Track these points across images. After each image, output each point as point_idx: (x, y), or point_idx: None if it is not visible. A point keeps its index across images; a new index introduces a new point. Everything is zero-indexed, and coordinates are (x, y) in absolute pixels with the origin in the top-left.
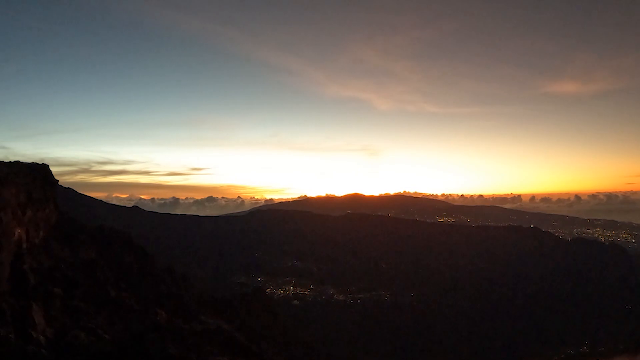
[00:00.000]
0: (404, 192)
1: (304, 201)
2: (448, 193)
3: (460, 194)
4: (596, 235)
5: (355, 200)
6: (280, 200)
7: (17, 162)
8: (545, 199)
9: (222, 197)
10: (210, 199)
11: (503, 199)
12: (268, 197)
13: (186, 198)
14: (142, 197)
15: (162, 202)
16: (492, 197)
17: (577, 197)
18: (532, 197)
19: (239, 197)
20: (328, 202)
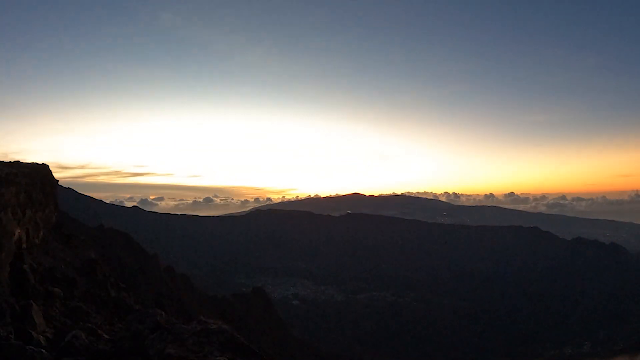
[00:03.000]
0: (406, 192)
1: (305, 201)
2: (450, 192)
3: (460, 193)
4: (596, 235)
5: (355, 200)
6: (280, 201)
7: (17, 162)
8: (543, 197)
9: (226, 197)
10: (212, 199)
11: (503, 198)
12: (278, 197)
13: (194, 199)
14: (151, 197)
15: (163, 202)
16: (493, 197)
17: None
18: (531, 197)
19: (230, 199)
20: (328, 202)
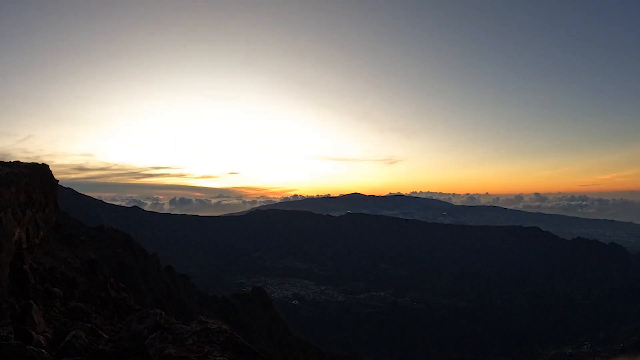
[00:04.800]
0: (406, 192)
1: (305, 201)
2: (449, 193)
3: (461, 193)
4: (596, 235)
5: (355, 200)
6: (281, 200)
7: (17, 162)
8: (542, 197)
9: (226, 197)
10: (213, 199)
11: (503, 199)
12: (278, 197)
13: (194, 199)
14: (154, 196)
15: (163, 202)
16: (492, 197)
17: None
18: (531, 197)
19: (231, 199)
20: (328, 202)
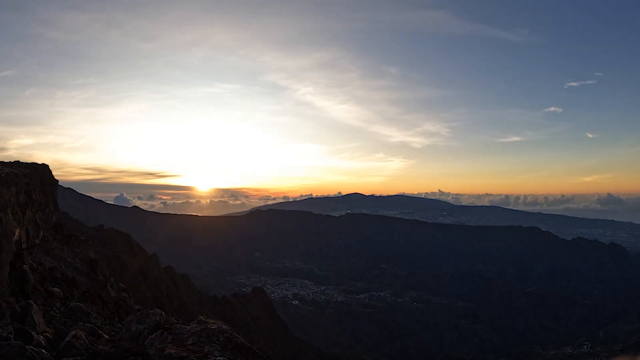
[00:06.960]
0: (406, 192)
1: (305, 201)
2: (449, 193)
3: (461, 193)
4: (596, 235)
5: (355, 200)
6: (280, 200)
7: (17, 162)
8: (543, 198)
9: (227, 197)
10: (213, 199)
11: (503, 199)
12: (278, 197)
13: (195, 199)
14: (163, 197)
15: (163, 202)
16: (492, 197)
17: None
18: (531, 197)
19: (231, 199)
20: (329, 202)
